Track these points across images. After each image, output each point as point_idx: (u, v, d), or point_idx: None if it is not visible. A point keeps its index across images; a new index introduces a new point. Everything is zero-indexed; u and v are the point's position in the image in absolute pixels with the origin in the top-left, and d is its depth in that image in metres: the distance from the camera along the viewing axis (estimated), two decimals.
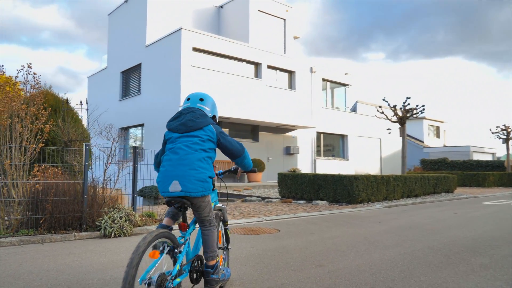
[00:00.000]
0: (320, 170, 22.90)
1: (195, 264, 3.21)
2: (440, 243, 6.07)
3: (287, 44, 23.43)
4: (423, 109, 17.00)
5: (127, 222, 6.52)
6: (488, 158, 37.20)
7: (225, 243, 3.97)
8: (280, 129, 21.39)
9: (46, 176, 6.87)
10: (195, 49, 18.29)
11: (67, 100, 9.70)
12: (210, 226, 3.25)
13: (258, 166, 19.06)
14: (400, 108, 17.01)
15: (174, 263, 2.92)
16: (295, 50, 26.17)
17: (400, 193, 13.96)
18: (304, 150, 22.58)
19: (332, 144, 25.12)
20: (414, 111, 17.05)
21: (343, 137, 25.19)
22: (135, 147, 7.39)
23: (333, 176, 12.76)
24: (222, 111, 17.55)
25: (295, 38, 26.18)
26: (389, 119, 17.32)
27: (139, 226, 6.90)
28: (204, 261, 3.24)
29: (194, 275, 3.20)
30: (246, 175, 18.98)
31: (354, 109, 31.19)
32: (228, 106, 18.13)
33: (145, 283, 2.60)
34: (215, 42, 18.90)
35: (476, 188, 23.02)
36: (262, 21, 22.37)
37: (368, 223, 8.37)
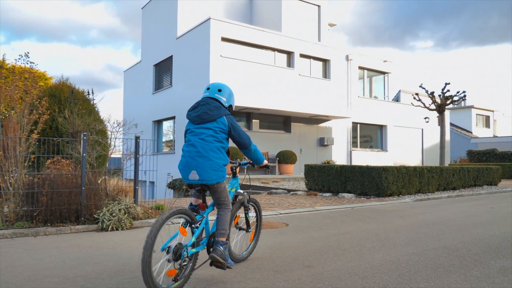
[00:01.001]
0: (356, 162, 22.03)
1: (212, 239, 3.71)
2: (460, 242, 5.39)
3: (322, 32, 22.60)
4: (465, 96, 15.77)
5: (126, 215, 6.29)
6: None
7: (244, 226, 4.47)
8: (314, 120, 20.71)
9: (59, 168, 6.81)
10: (224, 39, 17.97)
11: (83, 92, 9.63)
12: (225, 209, 3.71)
13: (290, 158, 18.56)
14: (439, 95, 15.86)
15: (193, 236, 3.46)
16: (331, 38, 25.28)
17: (436, 186, 13.03)
18: (339, 141, 21.78)
19: (370, 135, 24.10)
20: (454, 98, 15.84)
21: (381, 127, 24.09)
22: (137, 137, 7.13)
23: (360, 167, 12.07)
24: (252, 102, 17.18)
25: (331, 25, 25.29)
26: (427, 107, 16.21)
27: (140, 219, 6.67)
28: (216, 237, 3.61)
29: (210, 248, 3.68)
30: (277, 167, 18.54)
31: (397, 99, 29.84)
32: (258, 97, 17.72)
33: (166, 251, 3.20)
34: (245, 31, 18.48)
35: None
36: (295, 8, 21.69)
37: (389, 218, 7.73)
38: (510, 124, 41.87)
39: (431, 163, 26.07)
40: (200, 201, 3.76)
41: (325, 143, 20.82)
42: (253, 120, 18.76)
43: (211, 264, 3.58)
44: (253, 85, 18.32)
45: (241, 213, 4.45)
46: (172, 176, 19.93)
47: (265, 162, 4.15)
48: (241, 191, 4.31)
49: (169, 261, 3.22)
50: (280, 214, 8.35)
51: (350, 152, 22.24)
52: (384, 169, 11.54)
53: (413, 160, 25.21)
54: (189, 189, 3.83)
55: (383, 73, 24.14)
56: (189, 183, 3.60)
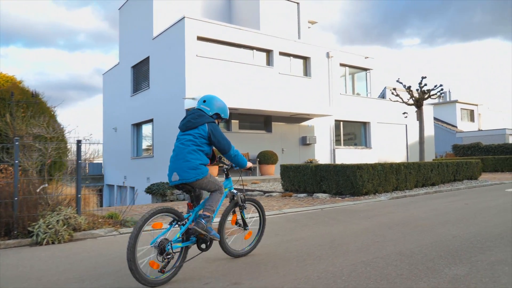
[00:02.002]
0: (339, 160, 21.58)
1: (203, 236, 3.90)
2: (418, 245, 4.92)
3: (301, 30, 22.15)
4: (442, 90, 15.32)
5: (65, 227, 5.76)
6: None
7: (241, 223, 4.63)
8: (295, 119, 20.24)
9: (7, 176, 6.29)
10: (200, 38, 17.44)
11: (33, 93, 9.06)
12: (217, 191, 4.06)
13: (271, 158, 18.06)
14: (417, 90, 15.42)
15: (178, 232, 3.74)
16: (313, 35, 24.85)
17: (414, 182, 12.59)
18: (322, 139, 21.31)
19: (354, 133, 23.68)
20: (432, 92, 15.40)
21: (365, 124, 23.66)
22: (78, 141, 6.60)
23: (335, 166, 11.60)
24: (230, 102, 16.65)
25: (312, 23, 24.83)
26: (405, 102, 15.77)
27: (83, 230, 6.13)
28: (201, 212, 3.92)
29: (202, 244, 4.00)
30: (258, 168, 18.04)
31: (383, 95, 29.45)
32: (237, 96, 17.22)
33: (154, 246, 3.52)
34: (222, 30, 17.97)
35: (508, 173, 20.96)
36: (274, 6, 21.21)
37: (356, 219, 7.26)
38: (495, 117, 41.67)
39: (416, 158, 25.72)
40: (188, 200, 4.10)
41: (308, 142, 20.35)
42: (232, 121, 18.25)
43: (197, 242, 3.98)
44: (231, 84, 17.83)
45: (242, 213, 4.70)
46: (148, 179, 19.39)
47: (249, 165, 4.45)
48: (235, 191, 4.56)
49: (157, 255, 3.56)
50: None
51: (334, 150, 21.79)
52: (359, 167, 11.08)
53: (398, 156, 24.82)
54: (178, 190, 4.24)
55: (365, 69, 23.72)
56: (173, 185, 3.95)
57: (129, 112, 21.51)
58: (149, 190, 17.57)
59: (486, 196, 10.53)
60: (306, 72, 21.09)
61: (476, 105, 38.87)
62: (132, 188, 21.08)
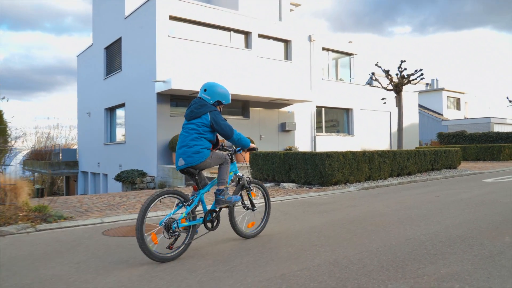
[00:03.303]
0: (320, 148, 20.78)
1: (209, 216, 4.26)
2: (362, 251, 4.10)
3: (283, 12, 21.08)
4: (422, 75, 14.44)
5: None
6: (511, 129, 33.75)
7: (250, 205, 4.86)
8: (275, 104, 19.31)
9: None
10: (173, 18, 16.36)
11: None
12: (224, 163, 4.40)
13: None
14: (396, 75, 14.54)
15: (184, 212, 4.01)
16: (296, 18, 23.81)
17: (388, 172, 11.81)
18: (302, 126, 20.45)
19: (336, 119, 22.82)
20: (412, 77, 14.53)
21: (347, 111, 22.79)
22: None
23: (304, 154, 10.78)
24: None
25: (296, 5, 23.71)
26: (384, 87, 14.91)
27: None
28: (217, 186, 4.30)
29: (209, 224, 4.30)
30: (233, 156, 17.13)
31: (370, 83, 28.58)
32: (212, 80, 16.16)
33: (163, 224, 3.85)
34: (197, 9, 16.88)
35: (490, 162, 20.29)
36: None
37: (310, 214, 6.45)
38: (482, 106, 41.02)
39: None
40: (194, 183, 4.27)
41: (287, 129, 19.47)
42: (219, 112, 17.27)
43: (204, 221, 4.26)
44: (206, 67, 16.83)
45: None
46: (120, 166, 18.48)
47: (252, 145, 4.69)
48: (241, 175, 4.77)
49: (165, 233, 3.83)
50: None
51: (314, 137, 20.95)
52: (328, 155, 10.26)
53: (381, 144, 24.07)
54: (182, 174, 4.83)
55: (349, 54, 22.75)
56: (180, 169, 4.17)
57: (102, 96, 20.46)
58: (119, 177, 16.68)
59: (461, 187, 9.77)
60: (287, 56, 20.11)
61: (463, 93, 38.11)
62: (105, 175, 20.18)
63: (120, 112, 19.70)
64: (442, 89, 35.95)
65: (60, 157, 24.34)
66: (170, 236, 3.87)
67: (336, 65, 22.93)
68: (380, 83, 15.17)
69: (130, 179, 16.02)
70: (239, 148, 4.70)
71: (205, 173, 14.13)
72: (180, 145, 4.21)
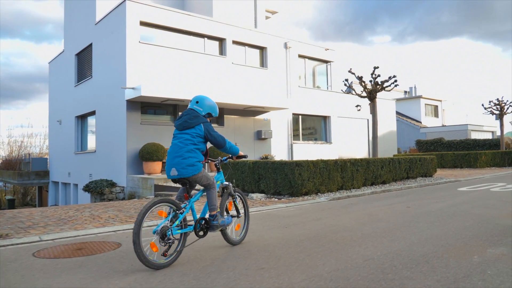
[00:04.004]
0: (297, 156, 20.31)
1: (199, 223, 4.37)
2: (308, 277, 3.54)
3: (258, 19, 20.68)
4: (395, 81, 14.10)
5: None
6: (488, 136, 33.88)
7: (235, 212, 5.02)
8: (250, 112, 18.79)
9: None
10: (144, 24, 15.76)
11: None
12: (210, 188, 4.46)
13: (220, 153, 16.61)
14: (370, 81, 14.17)
15: (177, 220, 4.09)
16: (272, 25, 23.43)
17: (362, 181, 11.35)
18: (278, 134, 19.97)
19: (314, 127, 22.42)
20: (385, 84, 14.18)
21: (325, 118, 22.41)
22: None
23: (273, 163, 10.26)
24: (177, 93, 15.08)
25: (272, 12, 23.38)
26: (358, 94, 14.52)
27: None
28: (209, 212, 4.44)
29: (199, 231, 4.37)
30: (207, 164, 16.55)
31: (349, 91, 28.32)
32: (185, 87, 15.57)
33: (156, 233, 3.89)
34: (169, 15, 16.31)
35: (467, 169, 20.07)
36: None
37: (268, 229, 5.89)
38: (459, 113, 41.29)
39: (379, 154, 24.73)
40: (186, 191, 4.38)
41: (263, 137, 18.96)
42: (179, 113, 16.66)
43: (194, 229, 4.31)
44: (179, 74, 16.24)
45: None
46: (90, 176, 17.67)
47: (241, 153, 4.82)
48: (227, 183, 4.88)
49: (159, 241, 3.91)
50: (124, 230, 6.39)
51: (291, 145, 20.48)
52: (297, 164, 9.75)
53: (360, 151, 23.75)
54: (174, 183, 4.59)
55: (326, 61, 22.42)
56: (172, 178, 4.25)
57: (73, 103, 19.67)
58: (87, 188, 15.88)
59: (434, 197, 9.34)
60: (263, 63, 19.67)
61: (440, 100, 38.26)
62: (76, 185, 19.33)
63: (91, 120, 18.94)
64: (420, 96, 36.02)
65: (30, 167, 23.33)
66: (165, 244, 3.96)
67: (313, 72, 22.58)
68: (354, 90, 14.80)
69: (99, 190, 15.25)
70: (226, 157, 4.95)
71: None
72: (173, 155, 4.27)
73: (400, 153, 29.64)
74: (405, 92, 41.32)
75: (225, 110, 18.03)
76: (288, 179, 9.79)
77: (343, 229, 5.71)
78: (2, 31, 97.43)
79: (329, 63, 22.49)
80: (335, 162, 10.59)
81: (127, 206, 9.32)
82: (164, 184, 13.40)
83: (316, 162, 10.15)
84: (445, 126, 34.89)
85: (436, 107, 37.79)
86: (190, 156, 4.21)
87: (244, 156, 4.88)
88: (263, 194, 10.19)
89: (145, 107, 15.89)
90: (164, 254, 4.01)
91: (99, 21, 17.18)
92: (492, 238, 4.83)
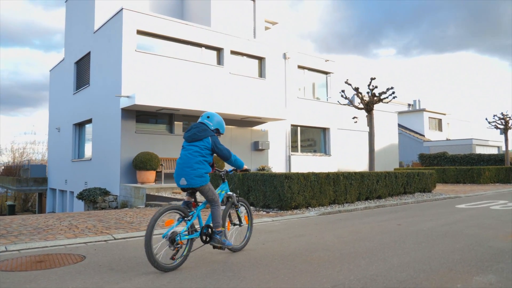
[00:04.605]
0: (295, 168, 19.87)
1: (205, 230, 4.58)
2: None
3: (257, 29, 20.42)
4: (393, 93, 13.67)
5: None
6: (493, 151, 33.20)
7: (237, 221, 5.30)
8: (247, 122, 18.43)
9: None
10: (141, 32, 15.54)
11: None
12: (214, 205, 4.61)
13: (215, 164, 16.22)
14: (367, 93, 13.76)
15: (185, 226, 4.38)
16: (273, 36, 23.18)
17: (355, 195, 10.88)
18: (276, 145, 19.56)
19: (313, 139, 22.00)
20: (383, 96, 13.75)
21: (324, 130, 21.98)
22: None
23: (262, 175, 9.85)
24: (172, 102, 14.79)
25: (272, 23, 23.11)
26: (355, 106, 14.10)
27: None
28: (213, 229, 4.59)
29: (204, 237, 4.59)
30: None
31: (351, 101, 27.92)
32: (181, 96, 15.26)
33: (166, 238, 4.15)
34: (166, 24, 16.09)
35: (469, 185, 19.47)
36: (227, 4, 19.44)
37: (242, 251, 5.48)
38: (464, 127, 40.59)
39: (379, 167, 24.22)
40: (191, 198, 4.63)
41: (260, 148, 18.57)
42: (175, 122, 16.35)
43: (214, 247, 4.64)
44: (174, 83, 15.96)
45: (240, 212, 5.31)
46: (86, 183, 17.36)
47: (245, 167, 5.05)
48: (231, 193, 5.15)
49: (168, 245, 4.18)
50: (114, 239, 6.01)
51: (289, 157, 20.06)
52: (287, 176, 9.34)
53: (360, 164, 23.26)
54: (183, 191, 4.69)
55: (325, 73, 22.06)
56: (181, 187, 4.56)
57: (71, 111, 19.46)
58: (81, 196, 15.56)
59: (429, 214, 8.87)
60: (261, 73, 19.35)
61: (444, 114, 37.67)
62: (72, 193, 19.02)
63: (89, 128, 18.68)
64: (424, 110, 35.48)
65: (29, 173, 23.11)
66: (174, 248, 4.19)
67: (313, 83, 22.22)
68: (351, 101, 14.39)
69: (92, 198, 14.92)
70: (231, 169, 5.20)
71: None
72: (183, 165, 4.48)
73: (403, 166, 29.08)
74: (409, 105, 40.82)
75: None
76: (277, 192, 9.37)
77: (322, 247, 5.28)
78: (12, 40, 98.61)
79: (329, 74, 22.13)
80: (327, 175, 10.16)
81: (110, 216, 8.94)
82: (156, 194, 13.03)
83: (307, 174, 9.73)
84: (449, 140, 34.28)
85: (440, 120, 37.20)
86: (198, 167, 4.44)
87: (248, 170, 5.15)
88: (252, 207, 9.77)
89: (141, 115, 15.61)
90: (172, 258, 4.22)
91: (97, 30, 17.02)
92: (481, 263, 4.37)
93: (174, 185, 14.81)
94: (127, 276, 4.03)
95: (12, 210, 25.55)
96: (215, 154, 4.69)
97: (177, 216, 4.44)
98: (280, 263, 4.44)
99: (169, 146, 15.98)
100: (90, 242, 5.91)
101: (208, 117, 4.80)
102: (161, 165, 15.29)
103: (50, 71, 23.16)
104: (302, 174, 9.64)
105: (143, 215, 9.04)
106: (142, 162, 14.39)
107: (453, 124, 39.36)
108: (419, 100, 39.67)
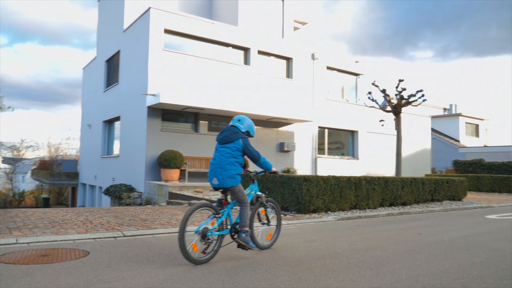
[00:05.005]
0: (321, 171, 19.48)
1: (234, 227, 4.82)
2: None
3: (285, 29, 20.16)
4: (423, 95, 13.05)
5: None
6: None
7: (266, 220, 5.52)
8: (273, 123, 18.22)
9: None
10: (168, 31, 15.66)
11: None
12: (243, 206, 4.85)
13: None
14: (396, 95, 13.22)
15: (216, 223, 4.61)
16: (300, 36, 22.88)
17: (378, 201, 10.47)
18: (302, 147, 19.25)
19: (341, 141, 21.52)
20: (411, 98, 13.17)
21: (352, 133, 21.46)
22: None
23: (281, 176, 9.64)
24: (199, 101, 14.81)
25: (302, 23, 22.79)
26: (381, 108, 13.60)
27: None
28: (240, 228, 4.79)
29: (233, 234, 4.82)
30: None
31: (384, 104, 27.21)
32: (207, 96, 15.26)
33: (198, 233, 4.40)
34: (193, 23, 16.14)
35: (505, 195, 18.44)
36: (255, 3, 19.28)
37: (245, 251, 5.30)
38: (504, 134, 38.75)
39: (409, 173, 23.42)
40: (225, 196, 4.83)
41: (286, 149, 18.32)
42: (200, 122, 16.36)
43: (238, 246, 4.75)
44: (201, 82, 15.98)
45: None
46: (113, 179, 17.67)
47: (273, 169, 5.29)
48: (260, 194, 5.36)
49: (200, 240, 4.41)
50: (124, 236, 5.98)
51: (315, 159, 19.70)
52: (306, 179, 9.09)
53: (389, 169, 22.55)
54: (215, 190, 5.34)
55: (355, 74, 21.53)
56: (213, 186, 4.79)
57: (102, 108, 19.90)
58: (107, 191, 15.87)
59: (454, 224, 8.38)
60: (288, 73, 19.09)
61: (482, 119, 36.03)
62: (101, 188, 19.43)
63: (117, 125, 19.05)
64: (460, 114, 34.05)
65: (62, 168, 23.84)
66: (205, 243, 4.45)
67: (342, 85, 21.71)
68: (377, 103, 13.88)
69: (117, 194, 15.16)
70: (261, 171, 5.44)
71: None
72: (216, 166, 4.72)
73: (435, 173, 28.02)
74: (444, 109, 39.33)
75: None
76: (295, 195, 9.13)
77: (331, 255, 5.02)
78: (53, 39, 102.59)
79: (358, 76, 21.60)
80: (348, 179, 9.82)
81: (127, 212, 8.98)
82: (178, 192, 13.06)
83: (327, 178, 9.43)
84: (486, 146, 32.75)
85: (477, 126, 35.60)
86: (230, 168, 4.68)
87: (276, 172, 5.40)
88: (269, 209, 9.57)
89: (166, 114, 15.72)
90: (203, 252, 4.46)
91: (127, 29, 17.30)
92: (500, 281, 4.00)
93: (197, 183, 14.85)
94: (120, 275, 3.94)
95: (46, 203, 26.44)
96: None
97: (209, 213, 4.70)
98: (281, 269, 4.24)
99: (194, 145, 16.02)
100: (99, 238, 5.90)
101: (239, 120, 5.05)
102: (185, 163, 15.33)
103: (83, 69, 23.78)
104: (322, 177, 9.36)
105: (160, 213, 9.02)
106: (166, 160, 14.47)
107: (491, 130, 37.61)
108: (455, 105, 38.17)
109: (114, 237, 6.01)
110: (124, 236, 6.10)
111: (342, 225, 7.93)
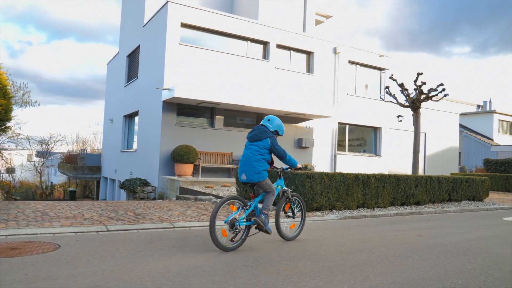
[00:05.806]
0: (341, 168, 18.93)
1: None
2: None
3: (307, 22, 19.67)
4: (443, 90, 12.26)
5: None
6: None
7: (291, 213, 5.86)
8: (291, 118, 17.81)
9: None
10: (185, 25, 15.53)
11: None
12: (270, 193, 5.25)
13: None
14: (415, 89, 12.51)
15: (244, 214, 5.00)
16: (323, 30, 22.29)
17: (389, 200, 9.94)
18: (321, 143, 18.75)
19: (363, 138, 20.84)
20: (432, 93, 12.43)
21: (375, 129, 20.73)
22: None
23: (285, 173, 9.28)
24: (214, 96, 14.63)
25: (326, 17, 22.20)
26: (399, 103, 12.93)
27: None
28: (261, 210, 5.12)
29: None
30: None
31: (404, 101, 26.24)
32: (224, 90, 15.08)
33: (227, 223, 4.81)
34: (210, 17, 15.93)
35: None
36: None
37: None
38: None
39: (435, 171, 22.45)
40: (252, 192, 5.30)
41: (304, 145, 17.90)
42: (216, 116, 16.20)
43: (255, 227, 5.10)
44: (218, 76, 15.79)
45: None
46: (131, 173, 17.82)
47: (298, 165, 5.66)
48: (286, 188, 5.70)
49: (228, 229, 4.80)
50: (107, 231, 5.86)
51: (335, 156, 19.15)
52: (309, 175, 8.72)
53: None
54: (244, 185, 5.31)
55: (380, 69, 20.75)
56: (242, 182, 5.20)
57: (122, 103, 20.12)
58: (122, 185, 16.01)
59: (465, 226, 7.80)
60: (309, 68, 18.60)
61: None
62: (120, 182, 19.67)
63: (137, 120, 19.20)
64: (493, 111, 32.35)
65: (85, 162, 24.35)
66: (233, 232, 4.81)
67: (365, 80, 20.98)
68: (396, 98, 13.22)
69: (132, 188, 15.25)
70: (287, 167, 5.71)
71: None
72: (245, 163, 5.13)
73: (465, 171, 26.75)
74: (478, 106, 37.54)
75: (264, 116, 17.26)
76: (298, 192, 8.78)
77: (309, 256, 4.68)
78: (88, 36, 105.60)
79: (383, 71, 20.80)
80: (356, 176, 9.36)
81: (125, 207, 8.88)
82: (189, 187, 12.95)
83: (332, 175, 9.02)
84: None
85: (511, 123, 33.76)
86: (257, 165, 5.04)
87: (301, 169, 5.78)
88: (273, 206, 9.26)
89: (182, 108, 15.64)
90: (231, 240, 4.87)
91: (146, 23, 17.34)
92: None
93: (210, 179, 14.71)
94: (73, 272, 3.76)
95: (73, 196, 27.13)
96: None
97: (238, 205, 5.01)
98: (245, 271, 3.95)
99: (209, 139, 15.88)
100: (81, 232, 5.80)
101: (268, 120, 5.41)
102: (199, 158, 15.21)
103: (107, 64, 24.14)
104: (327, 174, 8.95)
105: (159, 207, 8.89)
106: (179, 155, 14.40)
107: None
108: (490, 101, 36.31)
109: (97, 231, 5.89)
110: (108, 230, 5.97)
111: (342, 224, 7.53)
